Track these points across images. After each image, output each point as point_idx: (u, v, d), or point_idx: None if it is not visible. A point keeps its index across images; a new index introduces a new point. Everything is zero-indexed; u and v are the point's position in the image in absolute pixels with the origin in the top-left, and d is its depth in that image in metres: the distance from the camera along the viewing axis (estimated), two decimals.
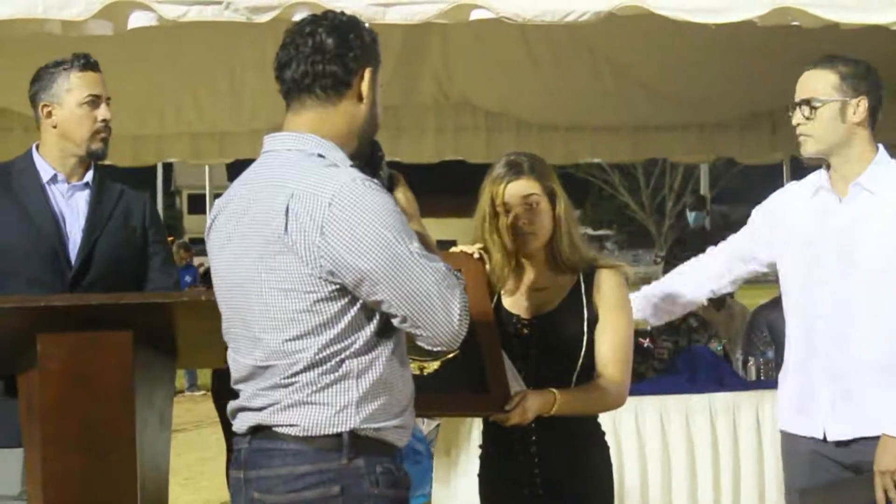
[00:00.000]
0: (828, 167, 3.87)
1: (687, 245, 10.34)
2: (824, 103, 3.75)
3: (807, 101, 3.78)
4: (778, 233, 4.00)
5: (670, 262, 10.00)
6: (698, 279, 4.32)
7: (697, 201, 11.54)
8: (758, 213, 4.16)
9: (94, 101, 4.02)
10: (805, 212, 3.91)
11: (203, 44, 6.81)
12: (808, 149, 3.84)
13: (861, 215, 3.79)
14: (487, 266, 3.63)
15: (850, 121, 3.77)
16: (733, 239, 4.26)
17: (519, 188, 3.60)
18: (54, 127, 4.03)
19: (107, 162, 4.34)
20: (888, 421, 3.67)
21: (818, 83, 3.78)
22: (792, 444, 3.92)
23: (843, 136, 3.79)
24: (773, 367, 6.27)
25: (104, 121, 4.04)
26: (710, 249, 4.34)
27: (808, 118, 3.77)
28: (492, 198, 3.62)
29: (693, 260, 4.40)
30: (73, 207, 4.05)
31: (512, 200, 3.60)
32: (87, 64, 4.01)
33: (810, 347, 3.85)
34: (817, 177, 3.92)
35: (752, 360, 6.37)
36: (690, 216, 10.99)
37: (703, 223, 11.00)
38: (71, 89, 4.00)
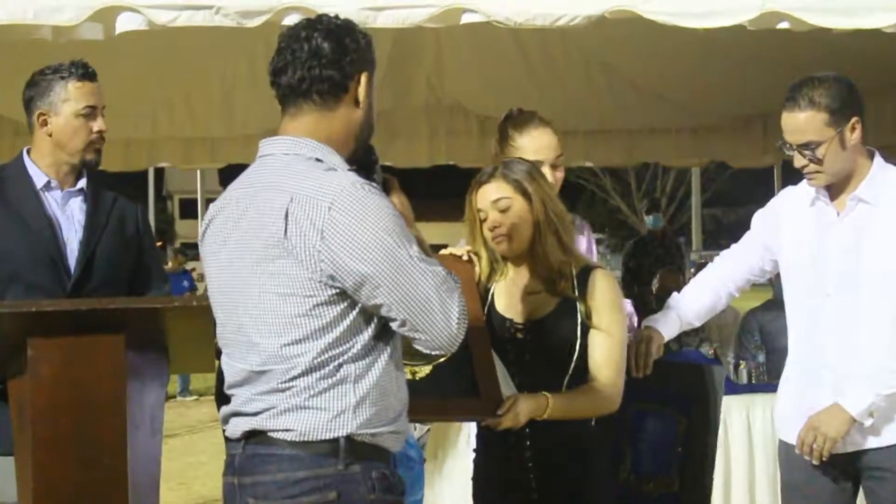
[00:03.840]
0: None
1: (647, 250, 10.36)
2: (823, 143, 3.71)
3: (806, 146, 3.73)
4: (779, 241, 3.99)
5: (632, 270, 10.01)
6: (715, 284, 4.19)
7: (652, 204, 11.59)
8: (757, 220, 4.14)
9: (91, 113, 4.01)
10: (805, 223, 3.90)
11: (195, 49, 6.82)
12: (818, 184, 3.81)
13: (860, 229, 3.78)
14: (477, 269, 3.63)
15: (850, 144, 3.74)
16: (737, 249, 4.18)
17: (488, 192, 3.60)
18: (49, 135, 4.01)
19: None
20: (850, 398, 3.73)
21: (810, 125, 3.71)
22: (794, 455, 3.90)
23: (847, 160, 3.76)
24: (765, 371, 6.28)
25: (99, 132, 4.03)
26: (718, 258, 4.24)
27: (811, 161, 3.74)
28: (471, 204, 3.64)
29: (708, 268, 4.26)
30: (68, 214, 4.04)
31: (483, 205, 3.60)
32: (86, 74, 4.00)
33: (818, 359, 3.84)
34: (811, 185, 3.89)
35: (743, 364, 6.39)
36: (648, 219, 11.02)
37: (660, 226, 11.03)
38: (68, 99, 3.98)
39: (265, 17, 4.35)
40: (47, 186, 4.03)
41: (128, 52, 6.12)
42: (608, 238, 51.75)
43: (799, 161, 3.77)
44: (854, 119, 3.73)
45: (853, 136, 3.74)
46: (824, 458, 3.76)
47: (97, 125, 4.02)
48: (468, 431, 5.30)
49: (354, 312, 2.74)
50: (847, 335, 3.78)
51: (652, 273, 8.31)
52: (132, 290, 4.09)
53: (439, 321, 2.72)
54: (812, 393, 3.85)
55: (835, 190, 3.84)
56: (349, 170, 2.80)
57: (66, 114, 3.99)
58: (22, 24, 4.29)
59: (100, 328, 3.36)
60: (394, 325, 2.76)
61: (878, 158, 3.85)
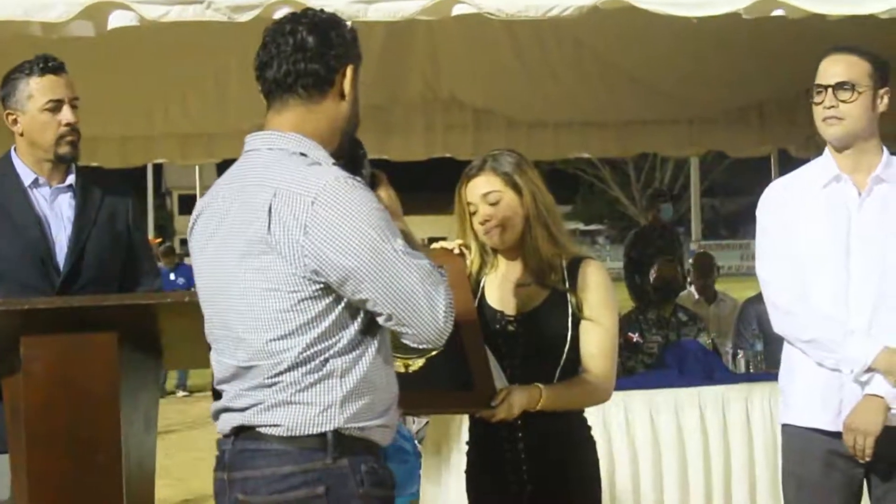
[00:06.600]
0: (829, 156, 3.83)
1: (648, 240, 10.33)
2: (859, 89, 3.72)
3: (842, 85, 3.72)
4: (796, 229, 3.85)
5: (634, 260, 9.99)
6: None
7: (660, 194, 11.52)
8: (767, 216, 3.95)
9: (56, 107, 3.96)
10: (822, 205, 3.82)
11: (189, 44, 6.79)
12: (836, 133, 3.76)
13: (885, 208, 3.77)
14: (468, 262, 3.63)
15: (877, 111, 3.76)
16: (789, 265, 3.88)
17: (478, 185, 3.59)
18: (21, 134, 4.00)
19: (94, 164, 4.33)
20: (875, 383, 3.68)
21: (853, 68, 3.74)
22: (805, 440, 3.84)
23: (867, 126, 3.77)
24: (763, 360, 6.28)
25: (68, 124, 3.98)
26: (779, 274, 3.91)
27: (842, 101, 3.72)
28: (460, 197, 3.63)
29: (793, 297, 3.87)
30: (56, 211, 4.03)
31: (473, 198, 3.60)
32: (47, 67, 3.96)
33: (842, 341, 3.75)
34: (823, 166, 3.85)
35: (741, 353, 6.38)
36: (662, 208, 10.96)
37: (670, 216, 10.98)
38: (31, 96, 3.95)
39: (256, 12, 4.34)
40: (35, 183, 4.02)
41: (122, 49, 6.10)
42: (607, 229, 51.78)
43: (828, 100, 3.72)
44: (885, 89, 3.76)
45: (882, 105, 3.76)
46: (867, 457, 3.69)
47: (65, 117, 3.97)
48: (466, 424, 5.29)
49: (340, 307, 2.73)
50: (876, 313, 3.73)
51: (653, 263, 8.29)
52: (122, 285, 4.08)
53: (425, 315, 2.72)
54: (837, 374, 3.76)
55: (854, 168, 3.79)
56: (334, 164, 2.79)
57: (32, 111, 3.97)
58: (12, 20, 4.29)
59: (93, 325, 3.36)
60: (380, 320, 2.75)
61: (885, 149, 3.85)
